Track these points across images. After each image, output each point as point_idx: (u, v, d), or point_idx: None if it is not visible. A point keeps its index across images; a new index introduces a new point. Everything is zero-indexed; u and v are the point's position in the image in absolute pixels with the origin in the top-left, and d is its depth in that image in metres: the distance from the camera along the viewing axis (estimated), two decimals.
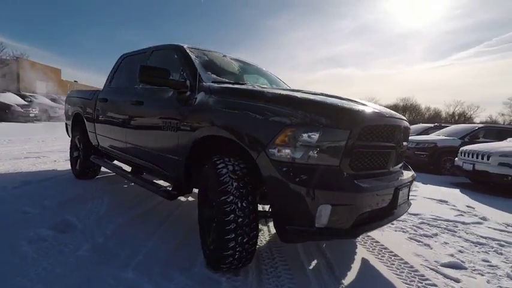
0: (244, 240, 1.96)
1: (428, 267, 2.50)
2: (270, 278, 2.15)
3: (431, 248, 2.91)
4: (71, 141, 4.91)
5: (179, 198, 3.87)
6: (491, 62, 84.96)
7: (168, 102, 2.74)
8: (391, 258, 2.62)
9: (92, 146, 4.40)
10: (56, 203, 3.44)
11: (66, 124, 5.30)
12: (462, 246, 3.03)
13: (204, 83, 2.55)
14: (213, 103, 2.30)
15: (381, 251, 2.76)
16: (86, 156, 4.42)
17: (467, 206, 4.71)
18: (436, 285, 2.20)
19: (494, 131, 8.76)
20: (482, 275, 2.45)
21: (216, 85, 2.48)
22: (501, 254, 2.93)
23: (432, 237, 3.23)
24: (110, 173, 5.18)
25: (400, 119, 2.31)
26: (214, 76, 2.76)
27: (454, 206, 4.67)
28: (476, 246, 3.08)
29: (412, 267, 2.47)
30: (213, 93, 2.38)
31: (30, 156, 6.22)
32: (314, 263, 2.44)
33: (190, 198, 4.02)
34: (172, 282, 2.00)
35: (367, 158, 2.04)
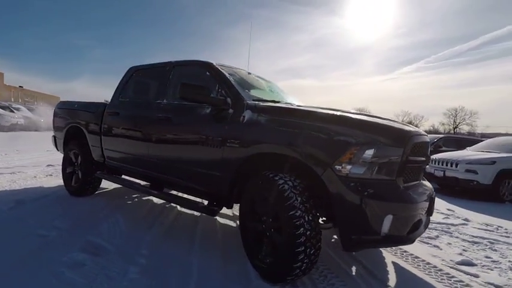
0: (312, 252, 2.08)
1: (448, 265, 2.83)
2: (325, 286, 2.28)
3: (441, 249, 3.28)
4: (64, 156, 4.58)
5: (187, 212, 3.86)
6: (431, 77, 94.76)
7: (207, 119, 2.77)
8: (414, 260, 2.91)
9: (94, 161, 4.17)
10: (69, 223, 3.22)
11: (54, 137, 4.93)
12: (463, 246, 3.45)
13: (247, 102, 2.65)
14: (266, 122, 2.41)
15: (403, 254, 3.04)
16: (87, 172, 4.17)
17: (448, 209, 5.29)
18: (463, 281, 2.51)
19: (453, 140, 9.91)
20: (492, 270, 2.83)
21: (263, 104, 2.60)
22: (495, 250, 3.39)
23: (435, 238, 3.62)
24: (105, 188, 4.92)
25: (426, 135, 2.63)
26: (251, 94, 2.86)
27: (438, 209, 5.22)
28: (473, 244, 3.52)
29: (435, 266, 2.77)
30: (261, 111, 2.49)
31: (4, 172, 5.63)
32: (355, 269, 2.63)
33: (195, 213, 3.97)
34: None
35: (411, 172, 2.30)
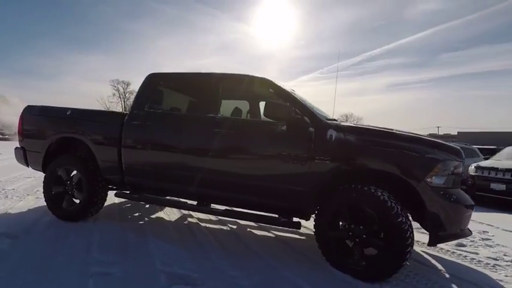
0: (411, 251, 2.50)
1: None
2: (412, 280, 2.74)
3: None
4: (48, 173, 3.76)
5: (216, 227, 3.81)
6: (324, 86, 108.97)
7: (284, 136, 2.87)
8: None
9: (102, 179, 3.60)
10: (111, 253, 2.80)
11: (23, 149, 3.95)
12: None
13: (326, 121, 2.89)
14: (358, 141, 2.70)
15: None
16: (91, 191, 3.56)
17: None
18: None
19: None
20: None
21: (345, 124, 2.88)
22: None
23: None
24: None
25: None
26: (320, 112, 3.10)
27: None
28: None
29: None
30: (347, 131, 2.77)
31: None
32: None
33: (227, 228, 3.96)
34: None
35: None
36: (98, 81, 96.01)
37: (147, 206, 4.74)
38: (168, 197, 3.58)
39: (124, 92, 55.49)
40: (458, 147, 2.82)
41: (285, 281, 2.50)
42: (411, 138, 2.73)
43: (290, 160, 2.82)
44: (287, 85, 3.30)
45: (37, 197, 4.74)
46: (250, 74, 3.23)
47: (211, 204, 3.36)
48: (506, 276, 2.89)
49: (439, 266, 3.05)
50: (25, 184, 5.81)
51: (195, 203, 3.36)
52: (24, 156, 3.95)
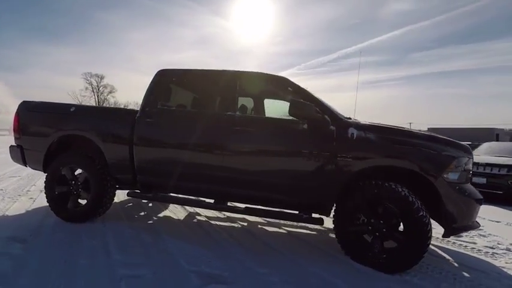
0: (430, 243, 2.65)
1: None
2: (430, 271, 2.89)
3: None
4: (51, 172, 3.57)
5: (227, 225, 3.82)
6: (302, 82, 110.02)
7: (306, 134, 2.92)
8: None
9: (110, 178, 3.48)
10: (133, 255, 2.73)
11: (20, 148, 3.72)
12: None
13: (346, 119, 2.97)
14: (378, 139, 2.80)
15: None
16: (100, 191, 3.44)
17: None
18: None
19: None
20: None
21: (365, 123, 2.97)
22: None
23: None
24: None
25: None
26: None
27: None
28: None
29: None
30: (367, 130, 2.86)
31: None
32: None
33: (238, 225, 3.98)
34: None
35: None
36: (69, 75, 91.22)
37: (150, 204, 4.63)
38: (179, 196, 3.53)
39: (98, 86, 53.27)
40: (467, 145, 3.01)
41: (313, 276, 2.56)
42: (428, 136, 2.88)
43: (312, 158, 2.87)
44: None
45: (30, 198, 4.49)
46: (278, 71, 3.25)
47: (228, 202, 3.34)
48: (507, 263, 3.14)
49: (447, 256, 3.25)
50: (12, 184, 5.47)
51: (207, 200, 3.35)
52: (21, 155, 3.72)
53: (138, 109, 3.44)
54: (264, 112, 4.16)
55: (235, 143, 3.07)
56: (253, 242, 3.31)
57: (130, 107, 34.76)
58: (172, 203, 4.14)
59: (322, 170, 2.85)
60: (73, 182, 3.57)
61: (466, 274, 2.80)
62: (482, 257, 3.29)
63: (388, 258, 2.70)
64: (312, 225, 3.94)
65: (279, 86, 3.24)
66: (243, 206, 3.26)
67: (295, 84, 3.15)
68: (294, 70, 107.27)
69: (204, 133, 3.17)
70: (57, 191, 3.57)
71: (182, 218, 4.06)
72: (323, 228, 3.95)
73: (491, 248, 3.58)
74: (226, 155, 3.06)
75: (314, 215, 3.07)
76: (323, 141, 2.88)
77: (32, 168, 3.83)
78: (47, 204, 4.06)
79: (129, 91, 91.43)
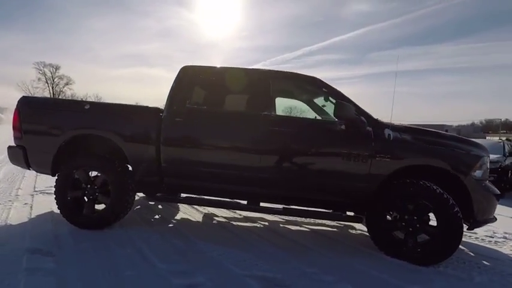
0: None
1: None
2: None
3: None
4: (64, 177, 3.25)
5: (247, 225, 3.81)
6: None
7: (344, 135, 2.99)
8: None
9: (131, 181, 3.27)
10: (176, 262, 2.62)
11: (23, 149, 3.32)
12: None
13: (378, 120, 3.09)
14: (413, 140, 2.95)
15: None
16: (122, 194, 3.21)
17: None
18: None
19: None
20: None
21: (398, 124, 3.10)
22: None
23: None
24: None
25: None
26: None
27: None
28: None
29: None
30: (401, 131, 3.00)
31: None
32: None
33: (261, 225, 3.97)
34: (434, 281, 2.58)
35: None
36: (17, 64, 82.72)
37: (160, 206, 4.43)
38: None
39: (52, 77, 49.04)
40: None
41: (362, 273, 2.65)
42: (454, 137, 3.11)
43: (352, 158, 2.95)
44: None
45: (25, 203, 4.06)
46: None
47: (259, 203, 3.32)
48: (511, 250, 3.51)
49: (460, 246, 3.54)
50: None
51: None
52: (24, 156, 3.33)
53: (163, 107, 3.26)
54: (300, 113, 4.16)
55: (274, 143, 3.05)
56: (284, 241, 3.32)
57: (90, 99, 32.69)
58: (204, 206, 4.00)
59: (361, 170, 2.95)
60: (88, 186, 3.29)
61: (485, 263, 3.08)
62: (488, 246, 3.64)
63: (423, 252, 2.88)
64: (329, 221, 4.08)
65: (313, 86, 3.26)
66: (270, 206, 3.26)
67: (329, 85, 3.20)
68: (260, 66, 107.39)
69: (240, 133, 3.10)
70: (70, 196, 3.27)
71: (201, 220, 3.95)
72: (340, 225, 4.09)
73: (491, 236, 3.97)
74: (265, 156, 3.03)
75: (349, 213, 3.18)
76: (362, 142, 2.96)
77: (36, 171, 3.47)
78: (50, 210, 3.76)
79: (88, 83, 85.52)
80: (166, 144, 3.14)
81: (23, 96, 3.45)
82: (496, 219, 3.20)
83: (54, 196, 3.29)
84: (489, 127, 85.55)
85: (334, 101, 3.12)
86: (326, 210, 3.17)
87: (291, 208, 3.19)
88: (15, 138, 3.37)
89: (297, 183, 3.04)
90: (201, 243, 3.07)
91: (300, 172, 3.04)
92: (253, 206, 3.21)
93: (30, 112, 3.33)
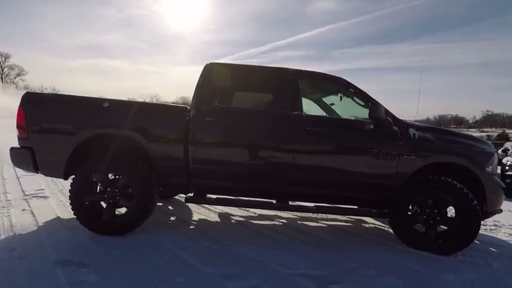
0: None
1: None
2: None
3: None
4: (81, 180, 3.00)
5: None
6: None
7: (373, 134, 3.10)
8: None
9: (156, 183, 3.12)
10: (220, 265, 2.56)
11: (30, 150, 3.01)
12: None
13: (402, 120, 3.24)
14: (434, 138, 3.13)
15: None
16: (149, 198, 3.05)
17: None
18: None
19: None
20: None
21: (419, 124, 3.27)
22: None
23: None
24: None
25: None
26: None
27: None
28: None
29: None
30: (423, 130, 3.18)
31: None
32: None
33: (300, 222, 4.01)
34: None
35: None
36: None
37: (170, 207, 4.28)
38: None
39: (1, 67, 44.36)
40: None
41: (399, 266, 2.78)
42: (469, 136, 3.36)
43: (381, 156, 3.08)
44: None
45: (23, 209, 3.70)
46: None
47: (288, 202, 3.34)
48: (506, 236, 3.89)
49: None
50: None
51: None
52: (32, 159, 3.02)
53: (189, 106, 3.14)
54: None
55: (308, 142, 3.08)
56: (311, 238, 3.39)
57: (46, 92, 30.25)
58: (236, 207, 3.95)
59: (390, 168, 3.08)
60: (108, 189, 3.07)
61: (492, 249, 3.40)
62: (486, 233, 4.01)
63: (444, 242, 3.10)
64: (340, 216, 4.23)
65: (341, 86, 3.33)
66: (301, 204, 3.30)
67: (357, 87, 3.29)
68: (227, 60, 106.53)
69: (273, 133, 3.08)
70: (88, 201, 3.04)
71: (218, 220, 3.88)
72: (351, 219, 4.25)
73: (483, 225, 4.36)
74: (298, 155, 3.05)
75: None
76: (391, 141, 3.10)
77: (45, 175, 3.17)
78: (55, 216, 3.49)
79: (43, 74, 78.72)
80: (195, 144, 3.03)
81: (28, 92, 3.12)
82: (501, 211, 3.53)
83: (70, 201, 3.04)
84: (442, 122, 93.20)
85: (361, 101, 3.24)
86: (355, 207, 3.28)
87: (323, 206, 3.25)
88: (21, 138, 3.04)
89: (331, 181, 3.11)
90: (233, 244, 3.03)
91: (334, 170, 3.11)
92: (284, 205, 3.22)
93: (41, 109, 3.02)
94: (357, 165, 3.12)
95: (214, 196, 3.22)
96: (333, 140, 3.14)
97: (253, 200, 3.29)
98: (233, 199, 3.24)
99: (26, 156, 3.02)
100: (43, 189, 4.70)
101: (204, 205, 4.38)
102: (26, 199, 4.11)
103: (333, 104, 3.82)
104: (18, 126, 3.03)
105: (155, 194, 3.14)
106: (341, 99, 3.52)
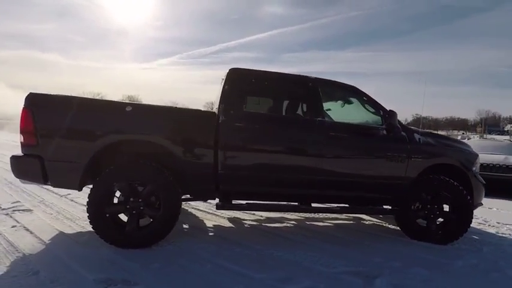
0: None
1: None
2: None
3: None
4: (100, 190, 2.74)
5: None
6: (185, 72, 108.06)
7: (386, 139, 3.41)
8: None
9: (181, 191, 3.00)
10: (267, 270, 2.58)
11: (39, 159, 2.66)
12: None
13: (407, 126, 3.62)
14: (435, 143, 3.56)
15: None
16: (176, 207, 2.92)
17: None
18: None
19: None
20: None
21: (421, 130, 3.67)
22: None
23: None
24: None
25: None
26: None
27: None
28: None
29: None
30: (424, 135, 3.60)
31: None
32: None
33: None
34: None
35: None
36: None
37: None
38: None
39: None
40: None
41: (417, 258, 3.08)
42: (457, 140, 3.88)
43: (394, 159, 3.40)
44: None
45: (13, 226, 3.22)
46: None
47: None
48: (478, 225, 4.55)
49: None
50: None
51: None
52: (42, 168, 2.67)
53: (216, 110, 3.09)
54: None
55: (332, 147, 3.26)
56: (325, 237, 3.57)
57: None
58: (266, 211, 3.89)
59: (402, 169, 3.42)
60: (131, 199, 2.87)
61: (475, 237, 3.95)
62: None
63: (443, 234, 3.54)
64: (343, 215, 4.51)
65: (356, 95, 3.58)
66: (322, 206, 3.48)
67: (369, 95, 3.57)
68: (175, 58, 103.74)
69: (301, 138, 3.20)
70: (109, 212, 2.80)
71: (233, 225, 3.85)
72: (349, 217, 4.56)
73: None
74: (323, 159, 3.21)
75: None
76: (401, 145, 3.44)
77: (54, 186, 2.82)
78: (56, 230, 3.17)
79: None
80: (225, 149, 3.00)
81: (32, 93, 2.74)
82: (482, 204, 4.13)
83: (88, 214, 2.76)
84: None
85: (371, 109, 3.53)
86: (371, 206, 3.57)
87: (346, 207, 3.46)
88: (26, 145, 2.68)
89: (353, 183, 3.34)
90: (262, 248, 3.05)
91: (355, 173, 3.34)
92: (308, 208, 3.36)
93: (52, 113, 2.69)
94: (376, 167, 3.41)
95: (243, 202, 3.21)
96: (354, 145, 3.38)
97: (283, 204, 3.36)
98: (265, 204, 3.28)
99: (34, 166, 2.66)
100: (19, 201, 4.13)
101: (209, 210, 4.30)
102: (7, 214, 3.58)
103: (329, 110, 4.08)
104: (23, 132, 2.66)
105: (181, 202, 3.02)
106: (342, 106, 3.80)
